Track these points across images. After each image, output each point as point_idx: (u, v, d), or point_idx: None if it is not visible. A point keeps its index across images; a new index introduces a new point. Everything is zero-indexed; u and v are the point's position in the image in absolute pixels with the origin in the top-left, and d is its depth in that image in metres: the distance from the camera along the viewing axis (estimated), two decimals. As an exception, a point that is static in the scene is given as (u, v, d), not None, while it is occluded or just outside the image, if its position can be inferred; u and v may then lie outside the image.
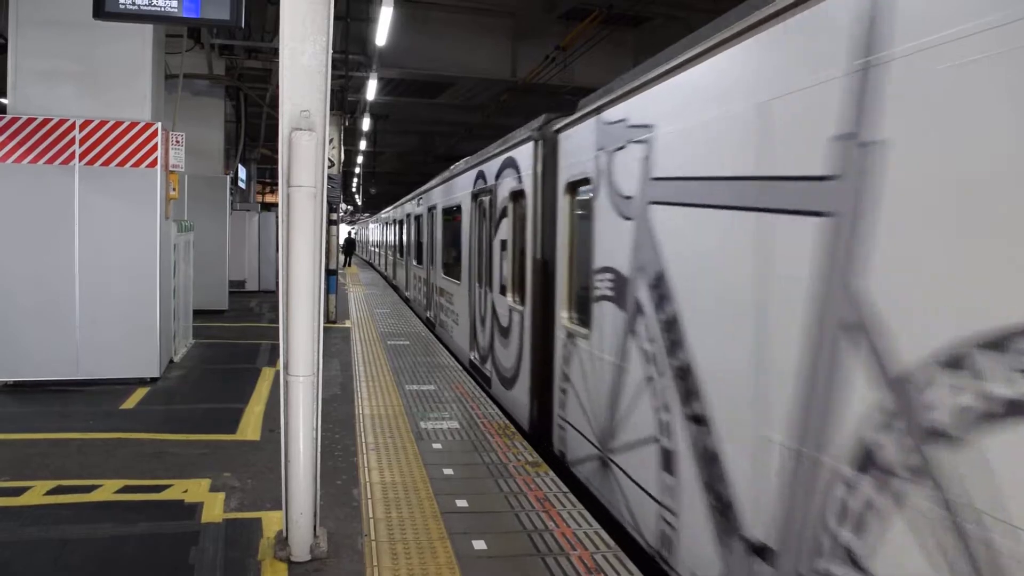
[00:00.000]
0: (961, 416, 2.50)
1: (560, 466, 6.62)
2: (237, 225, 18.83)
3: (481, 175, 10.40)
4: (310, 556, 4.29)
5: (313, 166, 4.18)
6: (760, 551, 3.59)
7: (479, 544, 4.57)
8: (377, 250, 38.50)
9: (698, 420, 4.21)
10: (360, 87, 18.11)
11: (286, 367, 4.25)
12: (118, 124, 8.64)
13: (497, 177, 9.34)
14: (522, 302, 8.16)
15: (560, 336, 6.92)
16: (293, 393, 4.24)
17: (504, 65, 17.21)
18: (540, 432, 7.49)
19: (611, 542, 4.68)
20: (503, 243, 9.06)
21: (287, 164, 4.18)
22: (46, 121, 8.46)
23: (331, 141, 13.82)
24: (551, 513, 5.11)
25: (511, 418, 8.15)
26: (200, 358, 10.75)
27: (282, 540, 4.37)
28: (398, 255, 23.23)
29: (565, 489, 5.60)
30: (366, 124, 22.70)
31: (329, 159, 9.64)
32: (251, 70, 16.43)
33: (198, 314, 12.25)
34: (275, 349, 11.22)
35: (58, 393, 8.35)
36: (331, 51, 4.26)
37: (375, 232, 43.00)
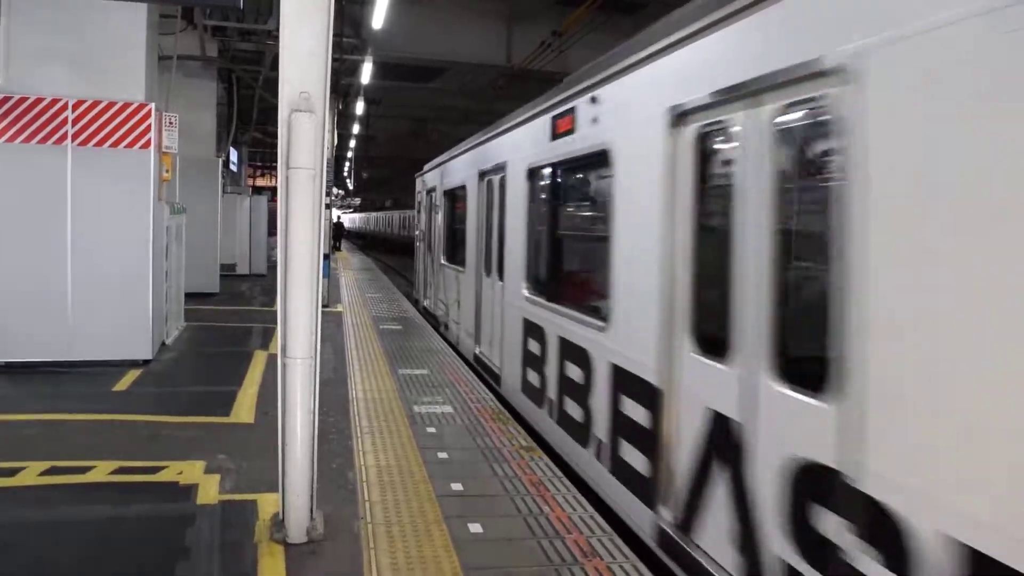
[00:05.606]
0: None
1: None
2: (228, 208, 18.73)
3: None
4: (307, 538, 4.29)
5: (312, 148, 4.16)
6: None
7: (475, 527, 4.59)
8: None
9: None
10: (353, 70, 18.01)
11: (284, 349, 4.25)
12: (111, 104, 8.57)
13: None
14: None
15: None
16: (291, 375, 4.24)
17: (499, 50, 17.15)
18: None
19: (606, 526, 4.71)
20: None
21: (286, 146, 4.16)
22: (38, 100, 8.39)
23: (325, 124, 13.82)
24: (546, 497, 5.14)
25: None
26: (192, 341, 10.73)
27: (278, 522, 4.38)
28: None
29: (560, 474, 5.64)
30: (359, 108, 22.59)
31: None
32: (244, 52, 16.32)
33: (189, 297, 12.20)
34: (267, 332, 11.25)
35: (50, 374, 8.32)
36: (331, 32, 4.24)
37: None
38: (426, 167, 15.77)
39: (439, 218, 13.24)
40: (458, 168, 11.53)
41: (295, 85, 4.20)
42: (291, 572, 3.97)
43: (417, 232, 17.17)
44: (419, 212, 17.08)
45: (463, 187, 10.82)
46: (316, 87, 4.23)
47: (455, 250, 12.06)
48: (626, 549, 4.39)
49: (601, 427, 5.45)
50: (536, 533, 4.56)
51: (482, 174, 9.54)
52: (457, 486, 5.29)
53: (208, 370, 9.11)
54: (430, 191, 14.57)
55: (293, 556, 4.15)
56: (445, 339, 11.74)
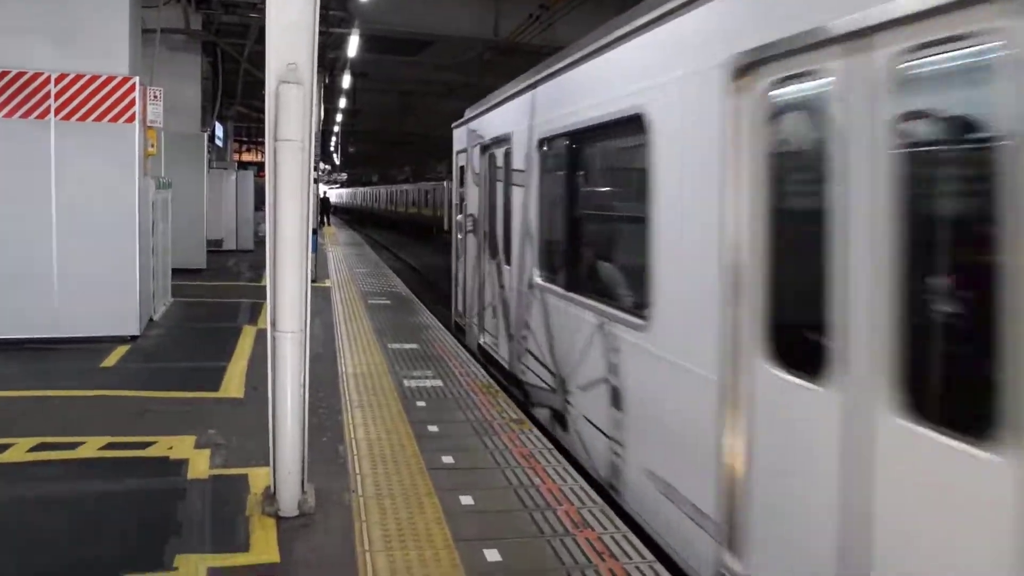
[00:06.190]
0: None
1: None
2: (214, 184, 18.57)
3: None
4: (298, 511, 4.31)
5: (300, 119, 4.13)
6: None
7: (466, 499, 4.62)
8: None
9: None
10: (340, 44, 17.83)
11: (274, 323, 4.24)
12: (95, 78, 8.45)
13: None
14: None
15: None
16: (281, 349, 4.23)
17: (486, 24, 16.99)
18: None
19: (596, 497, 4.74)
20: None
21: (274, 118, 4.12)
22: (21, 74, 8.26)
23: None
24: (536, 469, 5.17)
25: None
26: (180, 316, 10.69)
27: (270, 496, 4.39)
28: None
29: (550, 446, 5.67)
30: (346, 82, 22.39)
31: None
32: (228, 25, 16.12)
33: (176, 273, 12.13)
34: (255, 307, 11.21)
35: (37, 351, 8.27)
36: (318, 3, 4.19)
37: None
38: (476, 107, 10.01)
39: (524, 195, 7.35)
40: (592, 87, 5.71)
41: (282, 56, 4.15)
42: (283, 545, 3.99)
43: (458, 217, 11.12)
44: (461, 184, 11.02)
45: (634, 116, 4.71)
46: (303, 58, 4.18)
47: (577, 262, 6.30)
48: (617, 521, 4.43)
49: None
50: (527, 505, 4.59)
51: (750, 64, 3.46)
52: (448, 459, 5.31)
53: (196, 346, 9.08)
54: (488, 146, 9.02)
55: (285, 529, 4.16)
56: (535, 421, 6.53)
